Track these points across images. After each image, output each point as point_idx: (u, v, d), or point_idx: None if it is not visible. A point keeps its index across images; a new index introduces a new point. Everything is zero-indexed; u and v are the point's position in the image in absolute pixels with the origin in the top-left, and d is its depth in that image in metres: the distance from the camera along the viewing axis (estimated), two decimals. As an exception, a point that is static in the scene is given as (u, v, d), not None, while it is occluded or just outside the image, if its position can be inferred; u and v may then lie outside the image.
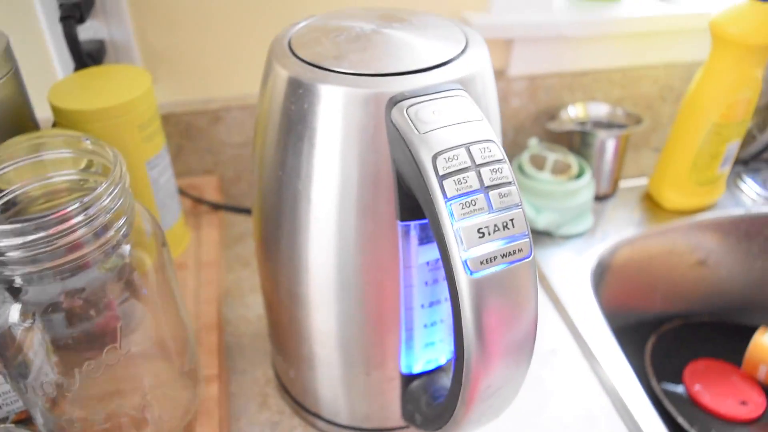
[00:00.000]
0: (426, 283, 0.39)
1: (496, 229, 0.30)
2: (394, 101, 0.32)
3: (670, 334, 0.78)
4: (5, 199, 0.37)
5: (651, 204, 0.77)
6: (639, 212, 0.76)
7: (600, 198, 0.77)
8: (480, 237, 0.30)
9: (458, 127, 0.31)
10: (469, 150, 0.30)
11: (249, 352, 0.57)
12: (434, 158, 0.30)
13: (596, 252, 0.69)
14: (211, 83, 0.69)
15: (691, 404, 0.71)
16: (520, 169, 0.71)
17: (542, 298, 0.64)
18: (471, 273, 0.30)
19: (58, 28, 0.55)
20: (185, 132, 0.69)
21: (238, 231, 0.70)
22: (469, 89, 0.34)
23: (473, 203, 0.30)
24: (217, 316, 0.54)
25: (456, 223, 0.30)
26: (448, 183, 0.30)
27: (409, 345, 0.42)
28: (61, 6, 0.52)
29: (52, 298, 0.35)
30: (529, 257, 0.31)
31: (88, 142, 0.37)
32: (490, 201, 0.30)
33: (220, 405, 0.47)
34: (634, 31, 0.75)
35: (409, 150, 0.31)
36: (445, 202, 0.30)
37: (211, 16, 0.65)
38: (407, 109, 0.32)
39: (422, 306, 0.40)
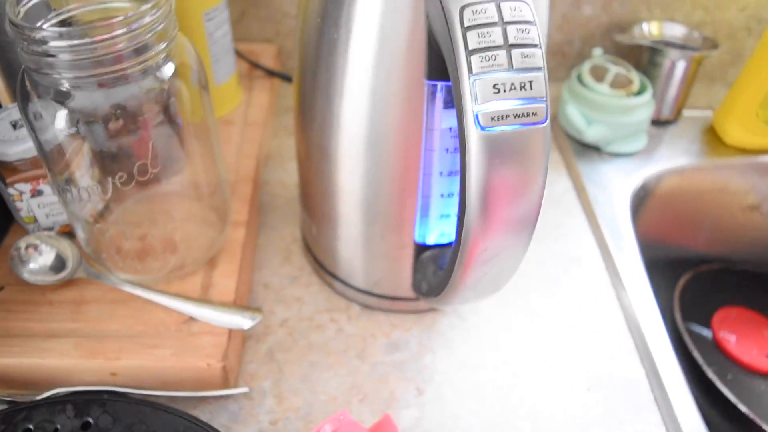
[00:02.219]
0: (447, 150, 0.40)
1: (513, 87, 0.30)
2: (434, -50, 0.32)
3: (707, 276, 0.76)
4: (60, 17, 0.39)
5: (713, 137, 0.74)
6: (698, 143, 0.73)
7: (660, 123, 0.75)
8: (495, 93, 0.30)
9: (492, -17, 0.31)
10: (499, 6, 0.30)
11: (281, 212, 0.60)
12: (462, 9, 0.30)
13: (642, 175, 0.68)
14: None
15: (713, 347, 0.70)
16: (579, 79, 0.69)
17: (577, 211, 0.64)
18: (482, 128, 0.30)
19: None
20: (249, -3, 0.70)
21: (289, 102, 0.72)
22: (515, -49, 0.33)
23: (493, 58, 0.30)
24: (255, 170, 0.57)
25: (473, 76, 0.30)
26: (471, 35, 0.30)
27: (425, 213, 0.44)
28: None
29: (95, 108, 0.37)
30: (543, 123, 0.31)
31: (142, -32, 0.38)
32: (511, 59, 0.30)
33: (244, 248, 0.50)
34: (729, -53, 0.70)
35: (440, 1, 0.31)
36: (465, 54, 0.30)
37: None
38: (445, -41, 0.31)
39: (441, 174, 0.41)
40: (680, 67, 0.70)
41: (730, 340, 0.71)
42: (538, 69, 0.30)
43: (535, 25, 0.31)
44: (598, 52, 0.70)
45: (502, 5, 0.30)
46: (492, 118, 0.30)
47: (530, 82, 0.30)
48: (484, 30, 0.30)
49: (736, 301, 0.75)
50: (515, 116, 0.30)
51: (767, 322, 0.73)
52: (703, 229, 0.78)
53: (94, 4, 0.40)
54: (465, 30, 0.30)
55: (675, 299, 0.72)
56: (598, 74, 0.68)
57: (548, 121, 0.31)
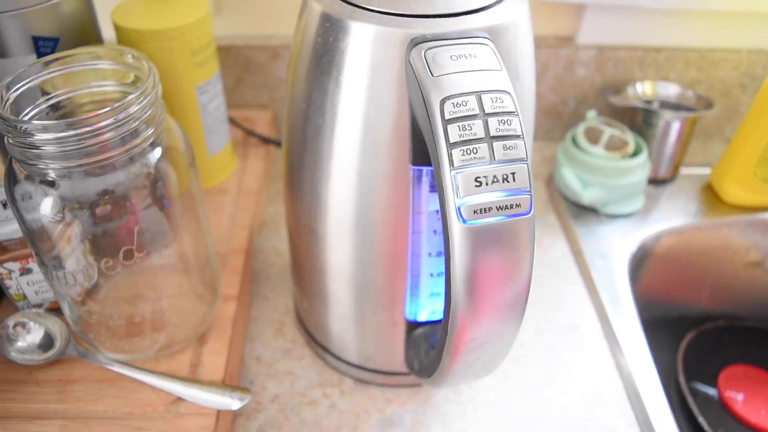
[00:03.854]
0: (435, 232, 0.39)
1: (495, 180, 0.30)
2: (415, 42, 0.32)
3: (711, 333, 0.75)
4: (51, 102, 0.39)
5: (711, 195, 0.74)
6: (696, 202, 0.73)
7: (658, 182, 0.74)
8: (477, 186, 0.30)
9: (473, 75, 0.31)
10: (479, 98, 0.30)
11: (274, 281, 0.59)
12: (442, 102, 0.30)
13: (640, 236, 0.67)
14: (273, 20, 0.70)
15: (720, 408, 0.68)
16: (574, 141, 0.69)
17: (575, 276, 0.63)
18: (464, 221, 0.30)
19: (133, -51, 0.57)
20: (244, 65, 0.71)
21: (285, 168, 0.72)
22: (497, 40, 0.33)
23: (474, 151, 0.30)
24: (247, 242, 0.56)
25: (454, 169, 0.30)
26: (452, 128, 0.30)
27: (415, 292, 0.43)
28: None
29: (81, 195, 0.37)
30: (527, 214, 0.31)
31: (130, 56, 0.39)
32: (493, 151, 0.30)
33: (235, 323, 0.50)
34: (717, 10, 0.71)
35: (422, 92, 0.31)
36: (446, 147, 0.30)
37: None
38: (426, 51, 0.31)
39: (429, 254, 0.40)
40: (675, 127, 0.70)
41: (737, 399, 0.69)
42: (522, 160, 0.30)
43: (517, 115, 0.31)
44: (592, 114, 0.70)
45: (483, 97, 0.30)
46: (474, 211, 0.30)
47: (513, 173, 0.30)
48: (465, 123, 0.30)
49: (743, 359, 0.73)
50: (498, 208, 0.30)
51: (776, 380, 0.71)
52: (705, 287, 0.77)
53: (83, 88, 0.41)
54: (446, 123, 0.30)
55: (679, 359, 0.70)
56: (593, 136, 0.68)
57: (533, 211, 0.31)
